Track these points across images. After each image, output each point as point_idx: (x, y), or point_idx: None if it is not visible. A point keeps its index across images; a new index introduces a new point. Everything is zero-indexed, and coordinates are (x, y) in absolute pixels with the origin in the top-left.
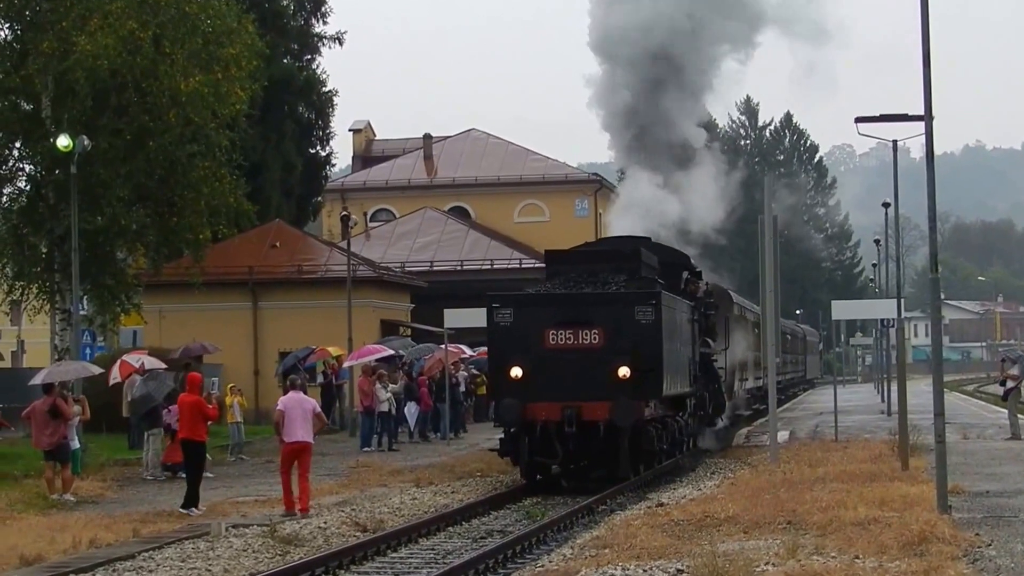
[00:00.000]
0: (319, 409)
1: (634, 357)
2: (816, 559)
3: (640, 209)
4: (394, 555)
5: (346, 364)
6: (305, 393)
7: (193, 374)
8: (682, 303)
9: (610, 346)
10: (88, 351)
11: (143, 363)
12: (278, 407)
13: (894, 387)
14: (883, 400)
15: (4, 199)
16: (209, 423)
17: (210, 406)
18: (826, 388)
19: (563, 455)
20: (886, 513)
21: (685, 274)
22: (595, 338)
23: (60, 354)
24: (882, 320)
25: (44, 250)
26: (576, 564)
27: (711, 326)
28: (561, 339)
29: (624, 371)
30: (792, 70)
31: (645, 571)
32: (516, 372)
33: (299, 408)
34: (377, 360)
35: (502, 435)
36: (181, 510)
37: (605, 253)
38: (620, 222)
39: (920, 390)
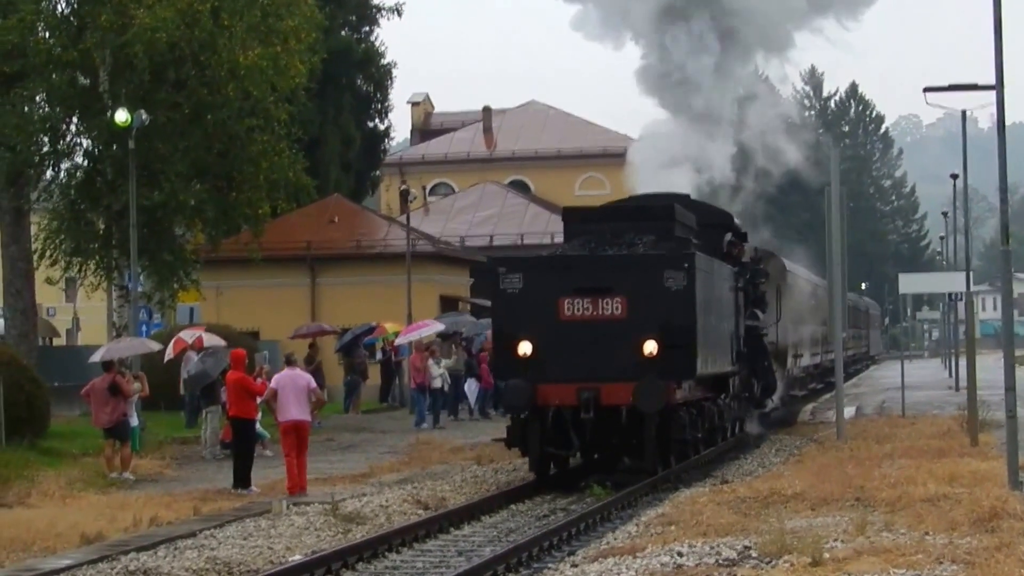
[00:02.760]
0: (315, 385)
1: (663, 330)
2: (885, 536)
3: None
4: (457, 532)
5: (399, 340)
6: (359, 365)
7: (237, 350)
8: (723, 268)
9: (635, 318)
10: (145, 328)
11: (199, 337)
12: (271, 385)
13: (962, 362)
14: (951, 375)
15: (62, 174)
16: (259, 400)
17: (259, 381)
18: (890, 364)
19: (579, 445)
20: (956, 489)
21: (728, 236)
22: (617, 308)
23: (118, 331)
24: (950, 294)
25: (102, 226)
26: (642, 541)
27: (760, 296)
28: (577, 309)
29: (651, 347)
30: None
31: (712, 548)
32: (525, 348)
33: (292, 385)
34: (437, 335)
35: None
36: (233, 490)
37: (632, 210)
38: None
39: (988, 365)
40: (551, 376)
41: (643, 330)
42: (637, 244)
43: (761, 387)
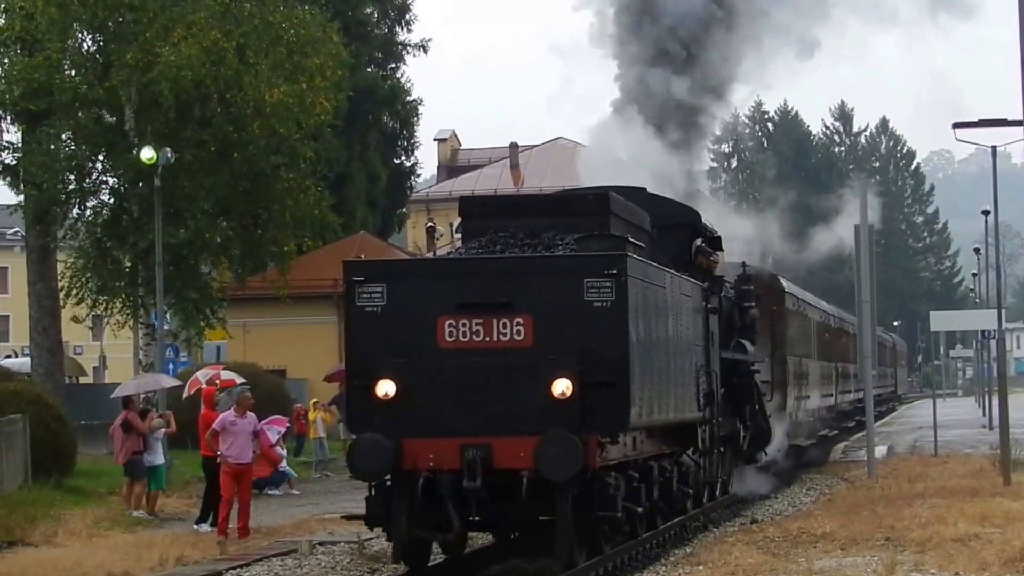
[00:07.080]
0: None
1: (582, 363)
2: None
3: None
4: (486, 573)
5: None
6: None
7: (207, 388)
8: (682, 281)
9: (543, 345)
10: (171, 366)
11: (213, 376)
12: (214, 425)
13: (995, 400)
14: (984, 414)
15: (88, 212)
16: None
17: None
18: (921, 403)
19: (461, 526)
20: (987, 529)
21: (698, 241)
22: (518, 332)
23: (145, 369)
24: (983, 331)
25: (128, 264)
26: None
27: (749, 323)
28: (463, 334)
29: (563, 387)
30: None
31: None
32: (386, 389)
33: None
34: None
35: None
36: (194, 527)
37: (553, 201)
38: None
39: (1022, 404)
40: (422, 428)
41: (554, 363)
42: (557, 245)
43: (750, 436)
